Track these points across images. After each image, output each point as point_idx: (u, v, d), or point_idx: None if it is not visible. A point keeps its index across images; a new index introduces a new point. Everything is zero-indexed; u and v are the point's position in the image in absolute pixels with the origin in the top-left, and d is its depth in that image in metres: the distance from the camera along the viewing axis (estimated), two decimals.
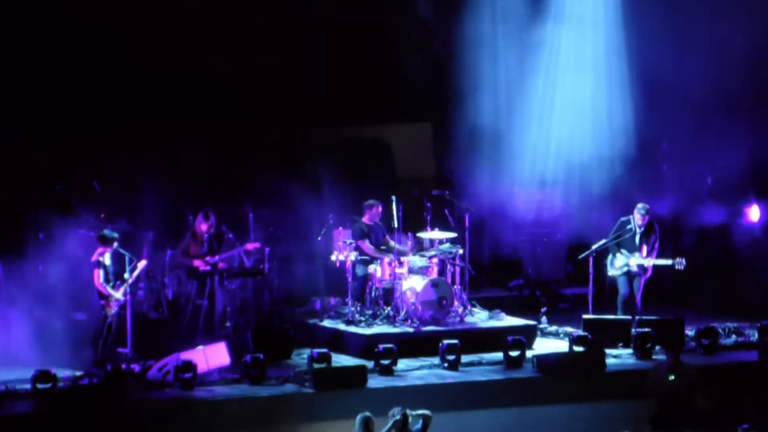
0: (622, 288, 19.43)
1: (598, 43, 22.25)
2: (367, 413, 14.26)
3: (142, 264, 17.70)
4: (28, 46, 20.37)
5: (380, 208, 19.72)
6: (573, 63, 22.35)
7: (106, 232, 17.65)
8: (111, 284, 17.40)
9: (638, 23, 21.85)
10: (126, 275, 17.48)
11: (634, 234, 19.36)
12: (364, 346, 18.10)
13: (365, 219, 19.70)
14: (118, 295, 17.41)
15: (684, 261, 19.24)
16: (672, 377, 16.41)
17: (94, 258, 17.42)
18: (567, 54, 22.38)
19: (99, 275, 17.34)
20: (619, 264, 19.38)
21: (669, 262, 19.33)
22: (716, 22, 21.24)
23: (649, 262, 19.29)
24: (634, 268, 19.34)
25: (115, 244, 17.49)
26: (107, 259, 17.43)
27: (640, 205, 19.41)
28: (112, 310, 17.37)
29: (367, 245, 19.51)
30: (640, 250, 19.31)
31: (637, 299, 19.37)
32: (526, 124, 22.34)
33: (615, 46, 22.11)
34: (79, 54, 20.52)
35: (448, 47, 22.32)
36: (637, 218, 19.37)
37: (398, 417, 14.12)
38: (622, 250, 19.35)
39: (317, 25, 21.87)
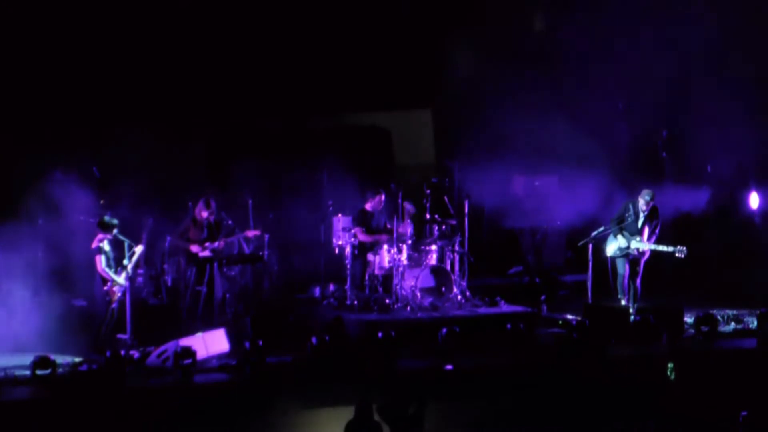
0: (621, 269, 19.44)
1: (597, 31, 22.26)
2: (366, 400, 14.28)
3: (139, 249, 17.67)
4: (27, 33, 20.37)
5: (383, 197, 19.71)
6: (572, 52, 22.36)
7: (106, 218, 17.64)
8: (112, 270, 17.40)
9: (637, 10, 21.87)
10: (125, 261, 17.49)
11: (637, 218, 19.36)
12: (363, 333, 18.10)
13: (367, 206, 19.69)
14: (121, 280, 17.41)
15: (685, 249, 19.21)
16: (671, 364, 16.44)
17: (94, 244, 17.41)
18: (566, 43, 22.39)
19: (101, 261, 17.33)
20: (619, 245, 19.38)
21: (670, 249, 19.33)
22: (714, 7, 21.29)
23: (650, 247, 19.28)
24: (634, 252, 19.34)
25: (115, 231, 17.49)
26: (107, 246, 17.43)
27: (644, 192, 19.38)
28: (116, 295, 17.38)
29: (362, 232, 19.48)
30: (641, 233, 19.32)
31: (637, 282, 19.39)
32: (527, 111, 22.33)
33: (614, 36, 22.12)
34: (77, 40, 20.50)
35: (448, 35, 22.33)
36: (641, 204, 19.34)
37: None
38: (624, 233, 19.35)
39: (317, 12, 21.85)
